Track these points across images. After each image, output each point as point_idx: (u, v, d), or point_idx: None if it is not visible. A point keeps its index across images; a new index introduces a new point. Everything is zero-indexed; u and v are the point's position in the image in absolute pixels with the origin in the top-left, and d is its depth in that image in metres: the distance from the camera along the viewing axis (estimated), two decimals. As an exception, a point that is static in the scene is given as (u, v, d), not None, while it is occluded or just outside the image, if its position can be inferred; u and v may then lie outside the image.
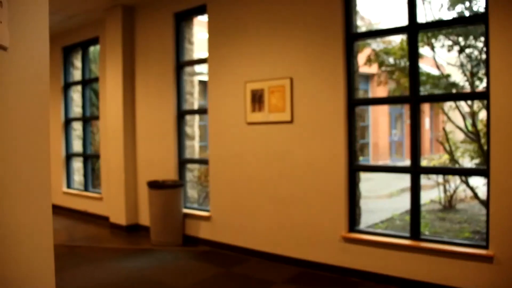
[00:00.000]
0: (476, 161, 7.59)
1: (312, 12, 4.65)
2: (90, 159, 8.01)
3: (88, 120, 8.01)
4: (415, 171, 4.13)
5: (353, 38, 4.49)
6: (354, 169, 4.49)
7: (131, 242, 5.95)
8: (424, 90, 7.60)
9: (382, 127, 16.44)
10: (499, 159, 3.58)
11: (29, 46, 1.31)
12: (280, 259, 4.91)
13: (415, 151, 4.16)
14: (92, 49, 8.29)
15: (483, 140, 6.54)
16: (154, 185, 5.72)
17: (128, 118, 6.53)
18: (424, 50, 7.86)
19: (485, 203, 3.84)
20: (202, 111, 6.16)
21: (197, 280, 4.44)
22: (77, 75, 8.17)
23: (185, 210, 5.91)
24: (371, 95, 16.02)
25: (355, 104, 4.50)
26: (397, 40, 9.07)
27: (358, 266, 4.35)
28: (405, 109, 16.64)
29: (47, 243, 1.34)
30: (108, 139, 6.77)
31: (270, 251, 5.01)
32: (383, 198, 9.76)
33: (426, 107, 16.41)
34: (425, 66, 9.19)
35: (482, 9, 3.81)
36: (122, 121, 6.45)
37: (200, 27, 7.31)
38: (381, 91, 14.37)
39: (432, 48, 7.49)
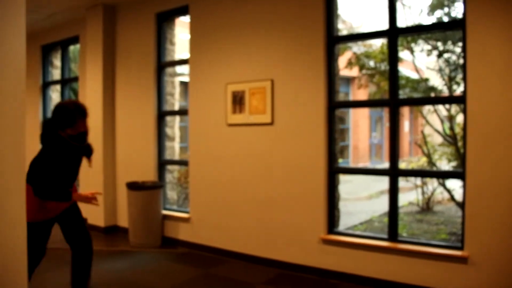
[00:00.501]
0: (453, 163, 7.72)
1: (293, 15, 4.67)
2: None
3: (67, 120, 7.88)
4: (393, 173, 4.18)
5: (334, 41, 4.53)
6: (333, 171, 4.52)
7: (109, 244, 5.88)
8: (403, 94, 7.70)
9: (362, 130, 16.57)
10: (475, 162, 3.65)
11: (5, 44, 1.29)
12: (259, 260, 4.92)
13: (394, 154, 4.21)
14: (72, 48, 8.20)
15: (460, 143, 6.66)
16: (133, 186, 5.67)
17: (108, 118, 6.47)
18: (404, 54, 7.96)
19: (461, 205, 3.91)
20: (182, 112, 6.14)
21: (176, 282, 4.42)
22: (56, 74, 8.07)
23: (165, 212, 5.88)
24: (352, 97, 16.15)
25: (335, 107, 4.53)
26: (378, 43, 9.17)
27: (337, 267, 4.38)
28: (385, 112, 16.81)
29: (21, 245, 1.32)
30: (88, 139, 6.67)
31: (249, 253, 5.02)
32: (363, 200, 9.84)
33: (406, 110, 16.61)
34: (405, 70, 9.31)
35: (460, 15, 3.87)
36: (101, 121, 6.39)
37: (182, 27, 7.29)
38: (361, 94, 14.50)
39: (412, 52, 7.60)
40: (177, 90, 6.44)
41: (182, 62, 5.97)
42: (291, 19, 4.69)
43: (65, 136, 3.20)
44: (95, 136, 6.46)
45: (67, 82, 7.84)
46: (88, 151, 3.70)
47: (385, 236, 4.25)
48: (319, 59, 4.50)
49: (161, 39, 6.09)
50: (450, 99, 5.89)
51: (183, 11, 5.79)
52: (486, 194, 3.60)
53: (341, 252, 4.36)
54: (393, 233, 4.17)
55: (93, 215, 6.53)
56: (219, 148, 5.31)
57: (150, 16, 6.06)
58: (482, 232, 3.62)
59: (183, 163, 6.18)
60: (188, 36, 5.63)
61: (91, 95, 6.57)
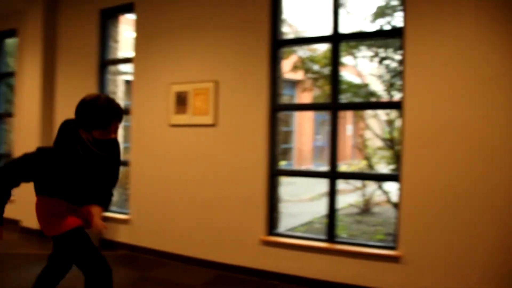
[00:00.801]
0: (392, 167, 7.99)
1: (239, 17, 4.69)
2: (3, 158, 7.55)
3: (2, 117, 7.56)
4: (332, 176, 4.28)
5: (278, 44, 4.59)
6: (274, 174, 4.57)
7: (44, 247, 5.65)
8: (345, 98, 7.89)
9: (306, 132, 16.84)
10: (410, 165, 3.81)
11: None
12: (199, 262, 4.89)
13: (333, 157, 4.31)
14: (8, 41, 7.83)
15: (398, 147, 6.90)
16: (71, 186, 5.48)
17: (46, 116, 6.23)
18: (348, 59, 8.17)
19: (396, 207, 4.06)
20: (124, 111, 5.99)
21: (113, 285, 4.30)
22: (-10, 68, 7.69)
23: (103, 213, 5.72)
24: (297, 101, 16.36)
25: (277, 110, 4.59)
26: (323, 48, 9.35)
27: (277, 268, 4.43)
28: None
29: None
30: (24, 138, 6.41)
31: (189, 255, 4.98)
32: (305, 202, 10.01)
33: (349, 114, 17.02)
34: (348, 75, 9.55)
35: (400, 24, 4.04)
36: (39, 119, 6.14)
37: (127, 25, 7.14)
38: (306, 97, 14.72)
39: (355, 57, 7.81)
40: (121, 89, 6.31)
41: (126, 60, 5.84)
42: (237, 21, 4.71)
43: (86, 138, 2.50)
44: (32, 135, 6.22)
45: (2, 76, 7.50)
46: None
47: (324, 237, 4.34)
48: (263, 62, 4.54)
49: (105, 36, 5.94)
50: (389, 105, 6.08)
51: (128, 8, 5.67)
52: (420, 196, 3.76)
53: (280, 253, 4.42)
54: (331, 234, 4.27)
55: (28, 217, 6.27)
56: (161, 148, 5.24)
57: (93, 12, 5.90)
58: (415, 233, 3.78)
59: (124, 163, 6.04)
60: (133, 34, 5.53)
61: (28, 91, 6.31)
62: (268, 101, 4.52)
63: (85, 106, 2.39)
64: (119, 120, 2.49)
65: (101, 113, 2.36)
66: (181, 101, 5.04)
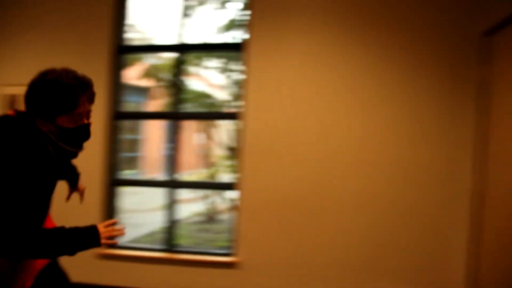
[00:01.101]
0: (235, 176, 8.27)
1: (81, 19, 4.44)
2: None
3: None
4: (172, 185, 4.30)
5: (121, 50, 4.46)
6: (113, 183, 4.42)
7: None
8: (190, 107, 7.97)
9: (156, 141, 16.59)
10: (249, 175, 4.03)
11: None
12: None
13: (173, 166, 4.33)
14: None
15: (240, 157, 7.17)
16: None
17: None
18: (198, 69, 8.28)
19: (236, 214, 4.20)
20: None
21: None
22: None
23: None
24: (147, 108, 16.06)
25: (118, 117, 4.45)
26: (172, 57, 9.35)
27: (116, 282, 4.28)
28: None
29: None
30: None
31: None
32: (152, 211, 9.82)
33: (199, 123, 17.18)
34: (198, 84, 9.67)
35: (243, 39, 4.23)
36: None
37: None
38: (156, 105, 14.52)
39: (203, 68, 7.95)
40: None
41: None
42: (78, 23, 4.44)
43: (47, 130, 1.77)
44: None
45: None
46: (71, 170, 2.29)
47: (164, 247, 4.32)
48: (102, 67, 4.37)
49: None
50: (230, 115, 6.28)
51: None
52: (258, 204, 3.99)
53: (119, 266, 4.27)
54: (170, 244, 4.27)
55: None
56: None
57: None
58: (252, 239, 3.98)
59: None
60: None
61: None
62: (107, 108, 4.35)
63: (36, 85, 1.76)
64: (86, 94, 1.81)
65: (59, 88, 1.71)
66: (11, 105, 4.61)
